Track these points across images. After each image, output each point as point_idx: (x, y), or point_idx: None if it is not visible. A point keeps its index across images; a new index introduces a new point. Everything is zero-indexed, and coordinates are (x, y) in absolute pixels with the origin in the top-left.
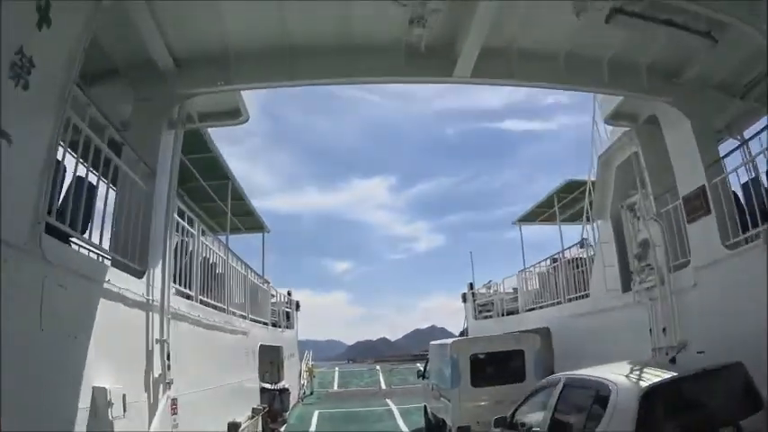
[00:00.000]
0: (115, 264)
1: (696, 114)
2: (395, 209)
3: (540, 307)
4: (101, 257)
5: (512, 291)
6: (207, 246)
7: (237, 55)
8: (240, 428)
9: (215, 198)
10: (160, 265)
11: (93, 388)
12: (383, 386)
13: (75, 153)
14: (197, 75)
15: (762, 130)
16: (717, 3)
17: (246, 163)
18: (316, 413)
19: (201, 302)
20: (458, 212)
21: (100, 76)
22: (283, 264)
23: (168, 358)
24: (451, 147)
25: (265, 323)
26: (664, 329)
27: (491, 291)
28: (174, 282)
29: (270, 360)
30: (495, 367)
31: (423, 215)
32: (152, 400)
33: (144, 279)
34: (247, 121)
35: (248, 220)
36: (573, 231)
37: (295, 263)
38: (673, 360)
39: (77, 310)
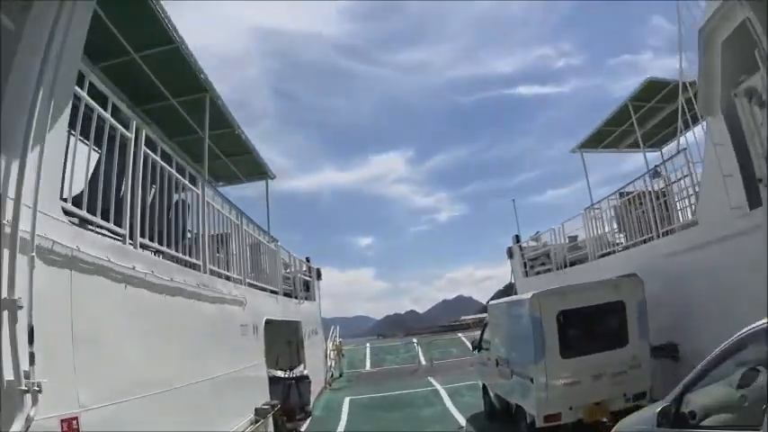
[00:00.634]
0: None
1: None
2: (414, 181)
3: (622, 248)
4: None
5: (566, 241)
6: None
7: None
8: None
9: (189, 121)
10: (18, 160)
11: None
12: (422, 362)
13: None
14: None
15: None
16: None
17: (262, 145)
18: (347, 401)
19: (155, 252)
20: (477, 181)
21: None
22: (307, 243)
23: (31, 340)
24: (466, 116)
25: (274, 291)
26: None
27: (539, 243)
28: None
29: (287, 339)
30: (588, 329)
31: (442, 186)
32: None
33: None
34: None
35: (243, 162)
36: (633, 163)
37: (318, 241)
38: None
39: None
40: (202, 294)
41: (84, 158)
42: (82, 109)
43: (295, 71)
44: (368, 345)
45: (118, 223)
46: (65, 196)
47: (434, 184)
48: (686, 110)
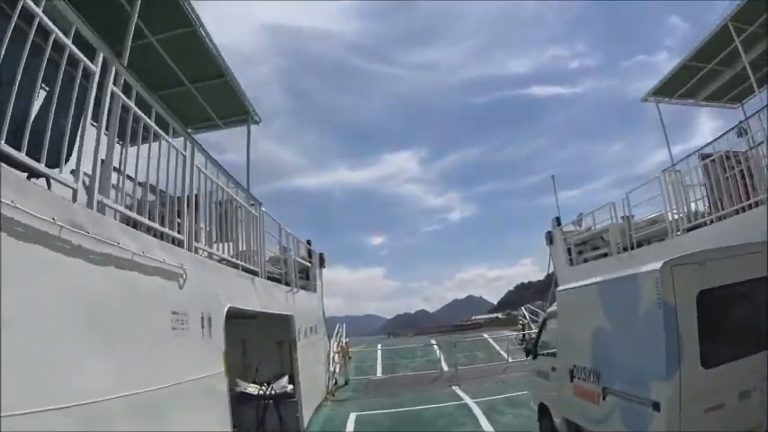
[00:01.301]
0: None
1: None
2: (426, 181)
3: (718, 218)
4: None
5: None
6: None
7: None
8: None
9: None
10: None
11: None
12: (445, 367)
13: None
14: None
15: None
16: None
17: (276, 144)
18: (352, 417)
19: None
20: (489, 181)
21: None
22: (319, 242)
23: None
24: (479, 115)
25: (252, 272)
26: None
27: (582, 228)
28: None
29: (277, 340)
30: (736, 318)
31: (454, 186)
32: None
33: None
34: None
35: (223, 102)
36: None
37: (330, 240)
38: None
39: None
40: (72, 244)
41: None
42: None
43: (307, 69)
44: (379, 346)
45: None
46: None
47: (447, 184)
48: None
